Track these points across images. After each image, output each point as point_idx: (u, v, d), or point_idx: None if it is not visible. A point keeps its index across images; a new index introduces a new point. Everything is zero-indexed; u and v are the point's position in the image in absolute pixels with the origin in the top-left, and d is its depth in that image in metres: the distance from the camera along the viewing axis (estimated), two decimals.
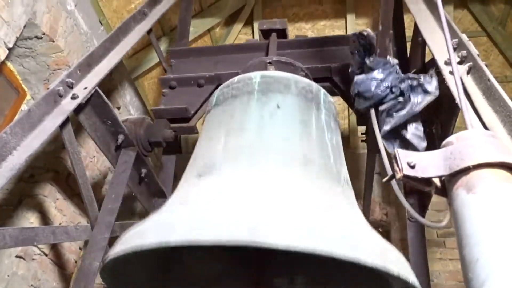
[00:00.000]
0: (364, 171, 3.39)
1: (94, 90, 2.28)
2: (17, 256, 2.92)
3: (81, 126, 2.33)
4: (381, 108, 2.10)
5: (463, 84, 1.80)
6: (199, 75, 2.96)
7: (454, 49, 2.05)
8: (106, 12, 3.85)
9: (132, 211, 4.39)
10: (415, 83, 2.06)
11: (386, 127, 2.06)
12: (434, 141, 2.11)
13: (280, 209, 1.31)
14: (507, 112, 1.58)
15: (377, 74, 2.10)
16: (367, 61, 2.13)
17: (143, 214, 4.37)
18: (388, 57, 2.17)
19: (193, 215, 1.25)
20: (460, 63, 1.96)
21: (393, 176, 0.84)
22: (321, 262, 1.46)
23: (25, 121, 1.86)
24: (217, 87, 2.98)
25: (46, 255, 3.14)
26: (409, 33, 3.05)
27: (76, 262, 3.42)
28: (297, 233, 0.98)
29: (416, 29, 2.64)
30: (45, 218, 3.09)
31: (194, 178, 1.85)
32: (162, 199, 3.01)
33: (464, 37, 2.05)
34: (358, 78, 2.16)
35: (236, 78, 2.34)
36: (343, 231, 1.06)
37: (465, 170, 0.76)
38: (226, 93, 2.27)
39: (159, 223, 1.27)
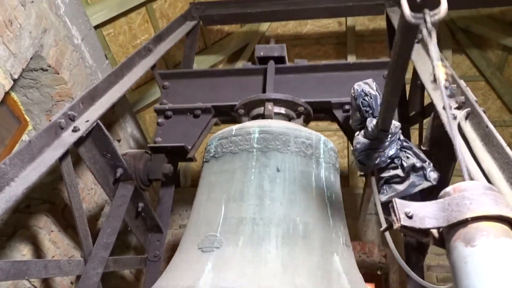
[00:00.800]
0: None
1: (95, 123, 2.29)
2: None
3: (80, 157, 2.33)
4: (381, 175, 2.08)
5: (461, 129, 1.82)
6: (195, 106, 2.97)
7: (452, 95, 2.09)
8: (112, 47, 3.93)
9: (127, 245, 4.33)
10: (418, 165, 2.04)
11: (383, 198, 2.05)
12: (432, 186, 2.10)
13: None
14: (505, 159, 1.58)
15: (379, 144, 2.04)
16: (369, 127, 2.05)
17: (139, 249, 4.31)
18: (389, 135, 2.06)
19: None
20: (458, 108, 1.99)
21: (390, 226, 0.83)
22: None
23: (25, 153, 1.86)
24: (214, 117, 3.02)
25: None
26: (408, 75, 3.10)
27: None
28: None
29: (415, 73, 2.69)
30: (38, 251, 3.04)
31: (194, 250, 1.86)
32: (159, 234, 2.98)
33: (462, 83, 2.09)
34: (358, 146, 2.09)
35: (234, 130, 2.34)
36: None
37: (463, 223, 0.75)
38: (224, 145, 2.27)
39: None
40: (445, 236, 0.79)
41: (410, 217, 0.81)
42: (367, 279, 2.23)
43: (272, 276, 1.69)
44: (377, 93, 2.20)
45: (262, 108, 2.66)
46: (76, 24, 3.32)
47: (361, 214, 4.55)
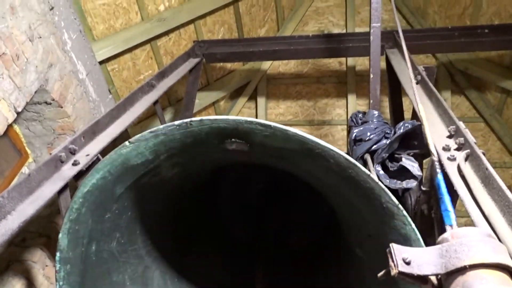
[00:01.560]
0: None
1: (96, 157, 2.30)
2: None
3: None
4: (374, 148, 2.34)
5: (461, 171, 1.81)
6: None
7: (452, 136, 2.10)
8: (116, 82, 4.00)
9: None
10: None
11: (379, 167, 2.24)
12: (433, 226, 2.08)
13: None
14: (506, 202, 1.57)
15: (371, 124, 2.43)
16: (361, 115, 2.54)
17: None
18: (376, 112, 2.53)
19: None
20: (457, 149, 1.99)
21: (388, 273, 0.82)
22: None
23: (23, 186, 1.86)
24: None
25: None
26: (407, 115, 3.13)
27: None
28: None
29: (414, 113, 2.71)
30: (31, 286, 2.97)
31: None
32: None
33: (461, 124, 2.10)
34: (355, 129, 2.44)
35: None
36: None
37: (462, 270, 0.74)
38: None
39: None
40: (444, 283, 0.78)
41: (408, 263, 0.80)
42: None
43: None
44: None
45: None
46: (82, 59, 3.39)
47: None
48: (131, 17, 3.79)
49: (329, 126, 5.29)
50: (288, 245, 2.75)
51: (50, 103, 3.06)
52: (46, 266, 3.12)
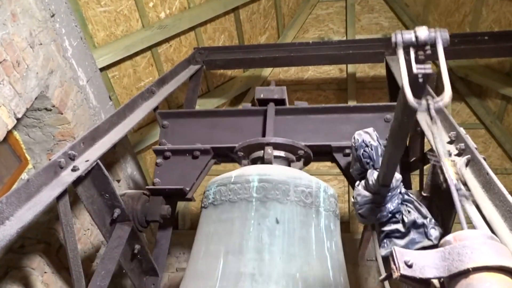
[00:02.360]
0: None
1: (95, 163, 2.29)
2: None
3: (78, 196, 2.31)
4: (382, 228, 2.03)
5: (462, 176, 1.80)
6: (194, 147, 2.96)
7: (452, 141, 2.10)
8: (116, 88, 4.00)
9: None
10: (419, 221, 1.98)
11: (383, 252, 2.01)
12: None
13: None
14: (507, 207, 1.56)
15: (380, 198, 1.99)
16: (370, 180, 2.02)
17: None
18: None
19: None
20: (458, 155, 1.99)
21: (390, 275, 0.81)
22: None
23: (22, 191, 1.84)
24: (213, 158, 3.00)
25: None
26: None
27: None
28: None
29: (415, 121, 2.70)
30: None
31: None
32: (154, 277, 2.90)
33: (461, 130, 2.10)
34: (359, 199, 2.05)
35: (233, 176, 2.32)
36: None
37: (465, 273, 0.73)
38: (223, 193, 2.23)
39: None
40: (447, 286, 0.77)
41: (410, 266, 0.78)
42: None
43: None
44: (378, 143, 2.17)
45: (262, 151, 2.66)
46: (83, 66, 3.40)
47: (359, 259, 4.47)
48: (132, 24, 3.80)
49: None
50: None
51: (50, 110, 3.06)
52: (45, 272, 3.10)
